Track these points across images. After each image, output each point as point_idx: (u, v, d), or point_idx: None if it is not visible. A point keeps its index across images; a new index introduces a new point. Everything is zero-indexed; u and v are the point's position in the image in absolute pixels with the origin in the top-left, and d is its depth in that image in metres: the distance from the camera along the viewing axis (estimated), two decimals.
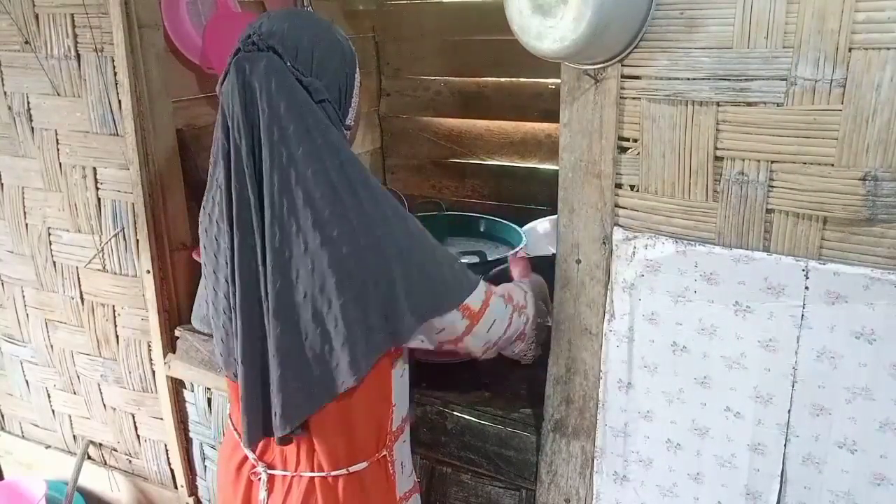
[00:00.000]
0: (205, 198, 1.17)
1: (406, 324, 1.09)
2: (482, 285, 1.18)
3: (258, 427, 1.13)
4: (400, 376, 1.22)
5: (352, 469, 1.19)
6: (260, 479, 1.23)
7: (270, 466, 1.23)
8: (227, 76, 1.07)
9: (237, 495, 1.27)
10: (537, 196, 2.40)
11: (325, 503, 1.19)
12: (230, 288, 1.11)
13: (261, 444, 1.22)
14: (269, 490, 1.22)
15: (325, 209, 1.03)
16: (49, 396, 2.08)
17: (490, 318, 1.19)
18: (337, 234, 1.04)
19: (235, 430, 1.26)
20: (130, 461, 2.04)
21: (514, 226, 2.16)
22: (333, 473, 1.19)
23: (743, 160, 1.06)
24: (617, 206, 1.19)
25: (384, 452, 1.23)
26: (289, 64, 1.06)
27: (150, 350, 1.82)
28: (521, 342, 1.31)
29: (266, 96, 1.03)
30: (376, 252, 1.05)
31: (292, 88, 1.05)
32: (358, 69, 1.18)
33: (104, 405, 1.99)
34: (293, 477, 1.21)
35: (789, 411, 1.10)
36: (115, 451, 2.05)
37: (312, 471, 1.19)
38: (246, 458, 1.25)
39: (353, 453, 1.19)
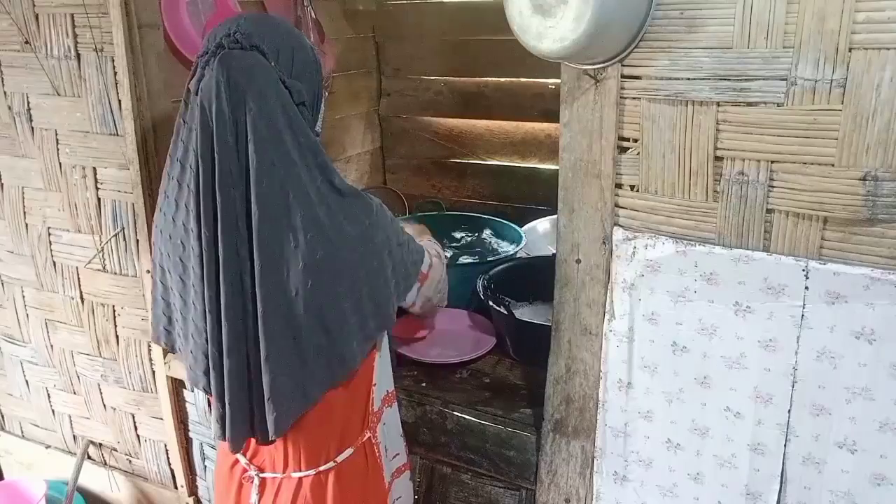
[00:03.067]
0: (161, 200, 1.14)
1: (393, 306, 1.18)
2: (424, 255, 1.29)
3: (244, 432, 1.11)
4: (379, 356, 1.24)
5: (339, 459, 1.20)
6: (251, 481, 1.23)
7: (261, 469, 1.22)
8: (207, 72, 1.05)
9: (230, 495, 1.27)
10: (537, 196, 2.40)
11: (314, 501, 1.19)
12: (207, 292, 1.06)
13: (252, 446, 1.22)
14: (260, 492, 1.22)
15: (313, 206, 1.04)
16: (49, 396, 2.08)
17: (434, 278, 1.30)
18: (327, 230, 1.05)
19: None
20: (130, 461, 2.04)
21: (514, 226, 2.16)
22: (323, 468, 1.19)
23: (743, 160, 1.06)
24: (617, 206, 1.19)
25: (368, 434, 1.23)
26: (273, 64, 1.06)
27: (150, 350, 1.82)
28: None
29: (253, 94, 1.02)
30: (363, 244, 1.10)
31: (279, 88, 1.05)
32: (324, 79, 1.20)
33: (104, 405, 1.99)
34: (283, 479, 1.21)
35: (789, 411, 1.10)
36: (115, 451, 2.05)
37: (301, 470, 1.19)
38: (238, 459, 1.25)
39: (340, 441, 1.20)
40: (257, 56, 1.05)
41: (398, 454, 1.35)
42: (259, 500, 1.22)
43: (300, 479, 1.20)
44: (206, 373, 1.11)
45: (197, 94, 1.05)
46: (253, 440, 1.16)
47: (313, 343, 1.08)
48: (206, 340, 1.09)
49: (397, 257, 1.18)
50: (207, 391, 1.13)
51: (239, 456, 1.24)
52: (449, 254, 1.84)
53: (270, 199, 1.03)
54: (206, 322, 1.08)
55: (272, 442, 1.13)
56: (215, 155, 1.02)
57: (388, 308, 1.17)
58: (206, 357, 1.10)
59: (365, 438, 1.23)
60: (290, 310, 1.05)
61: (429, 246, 1.36)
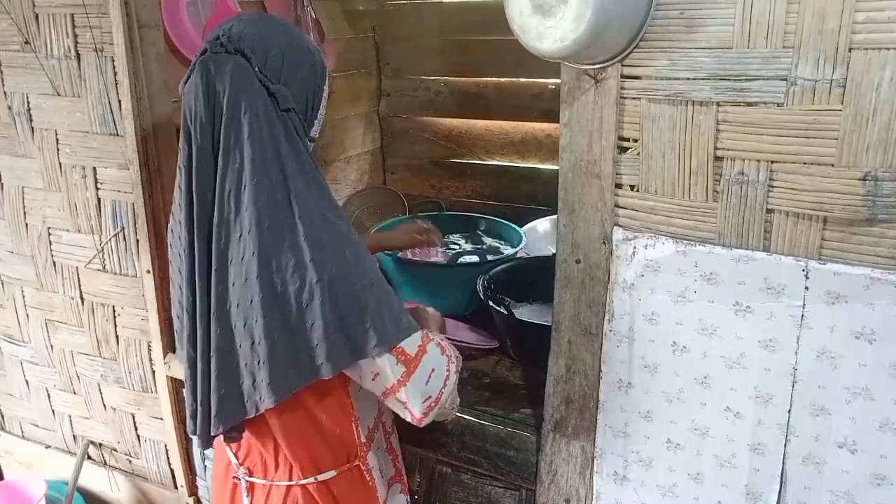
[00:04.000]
0: (173, 203, 1.16)
1: (334, 358, 1.02)
2: (419, 332, 1.10)
3: (207, 426, 1.09)
4: (358, 390, 1.17)
5: (320, 478, 1.19)
6: (241, 483, 1.24)
7: (251, 472, 1.23)
8: (191, 76, 1.05)
9: (225, 495, 1.28)
10: (537, 196, 2.40)
11: None
12: (185, 291, 1.08)
13: (243, 448, 1.22)
14: (251, 495, 1.23)
15: (264, 221, 1.01)
16: (49, 396, 2.08)
17: (428, 367, 1.09)
18: (269, 249, 1.01)
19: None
20: (130, 461, 2.04)
21: (514, 226, 2.17)
22: (304, 482, 1.19)
23: (743, 160, 1.06)
24: (617, 206, 1.19)
25: (357, 462, 1.22)
26: (256, 69, 1.05)
27: (150, 350, 1.82)
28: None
29: (228, 99, 1.02)
30: (303, 273, 1.00)
31: (255, 94, 1.03)
32: (327, 82, 1.17)
33: (104, 405, 1.99)
34: (271, 485, 1.21)
35: (789, 411, 1.10)
36: (115, 451, 2.05)
37: (289, 479, 1.20)
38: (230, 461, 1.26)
39: (320, 463, 1.19)
40: (238, 60, 1.04)
41: (392, 473, 1.36)
42: (251, 503, 1.23)
43: (288, 486, 1.20)
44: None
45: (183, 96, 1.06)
46: (249, 443, 1.17)
47: (247, 358, 1.05)
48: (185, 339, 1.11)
49: (346, 306, 1.02)
50: None
51: (231, 457, 1.24)
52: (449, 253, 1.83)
53: (228, 206, 1.02)
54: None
55: (236, 440, 1.14)
56: (193, 160, 1.03)
57: (321, 355, 1.02)
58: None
59: (353, 465, 1.22)
60: (232, 320, 1.04)
61: (444, 342, 1.19)
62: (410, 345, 1.07)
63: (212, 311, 1.05)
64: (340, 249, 1.03)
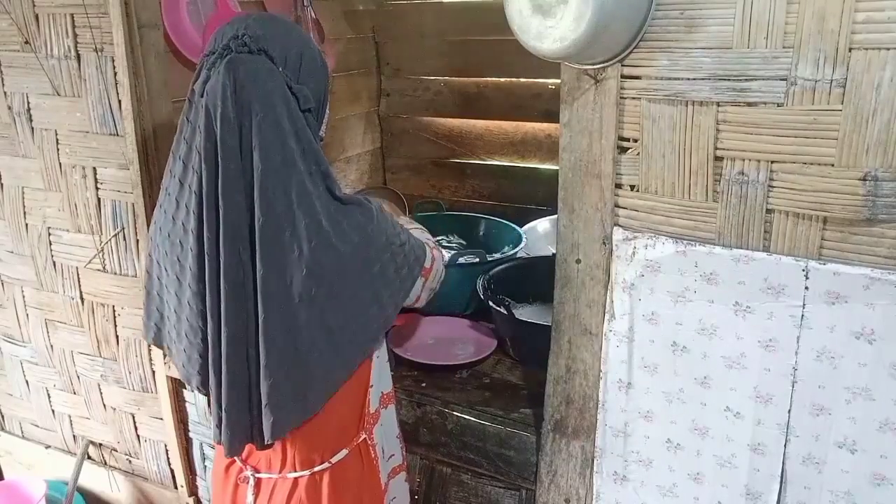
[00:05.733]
0: (162, 197, 1.13)
1: (396, 304, 1.16)
2: (428, 248, 1.25)
3: (243, 437, 1.10)
4: (377, 358, 1.23)
5: (334, 460, 1.19)
6: (247, 482, 1.23)
7: (256, 469, 1.23)
8: (213, 74, 1.04)
9: (226, 495, 1.28)
10: (537, 196, 2.40)
11: (309, 501, 1.19)
12: (208, 295, 1.05)
13: (247, 447, 1.22)
14: (256, 493, 1.23)
15: (317, 214, 1.03)
16: (49, 396, 2.08)
17: (438, 270, 1.27)
18: (330, 237, 1.04)
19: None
20: (130, 461, 2.04)
21: (514, 226, 2.16)
22: (317, 469, 1.19)
23: (743, 160, 1.06)
24: (617, 206, 1.19)
25: (363, 436, 1.23)
26: (280, 69, 1.05)
27: (150, 350, 1.82)
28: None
29: (261, 98, 1.02)
30: (366, 250, 1.09)
31: (286, 93, 1.04)
32: (329, 82, 1.19)
33: (104, 405, 1.99)
34: (278, 479, 1.21)
35: (789, 411, 1.10)
36: (115, 451, 2.05)
37: (296, 470, 1.19)
38: (234, 460, 1.25)
39: (334, 443, 1.19)
40: (265, 60, 1.04)
41: (394, 455, 1.35)
42: (255, 501, 1.23)
43: (295, 479, 1.20)
44: (200, 372, 1.11)
45: (202, 96, 1.04)
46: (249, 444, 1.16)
47: (315, 350, 1.07)
48: (202, 341, 1.09)
49: (399, 259, 1.16)
50: (200, 390, 1.14)
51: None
52: (448, 255, 1.83)
53: (275, 206, 1.02)
54: (202, 323, 1.07)
55: (269, 447, 1.14)
56: (219, 160, 1.02)
57: (390, 309, 1.15)
58: (201, 357, 1.10)
59: (360, 440, 1.23)
60: (292, 317, 1.05)
61: (421, 236, 1.32)
62: (428, 260, 1.23)
63: (258, 313, 1.04)
64: (378, 217, 1.12)
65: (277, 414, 1.07)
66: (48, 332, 1.98)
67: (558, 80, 1.18)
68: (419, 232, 1.34)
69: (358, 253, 1.08)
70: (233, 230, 1.03)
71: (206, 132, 1.03)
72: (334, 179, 1.09)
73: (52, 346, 1.99)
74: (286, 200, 1.02)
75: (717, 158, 1.08)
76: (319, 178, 1.06)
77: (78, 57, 1.63)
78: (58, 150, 1.75)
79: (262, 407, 1.07)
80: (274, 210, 1.02)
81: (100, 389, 1.97)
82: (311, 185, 1.04)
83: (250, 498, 1.23)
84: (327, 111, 1.19)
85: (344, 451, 1.21)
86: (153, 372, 1.84)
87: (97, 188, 1.73)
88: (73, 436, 2.10)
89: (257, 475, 1.22)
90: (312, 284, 1.04)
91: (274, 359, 1.05)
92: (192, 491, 1.97)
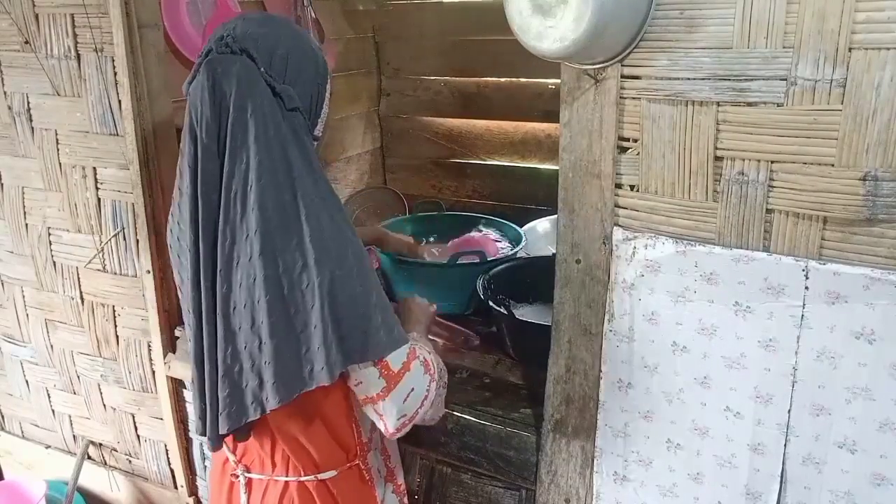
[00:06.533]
0: (172, 205, 1.15)
1: (331, 363, 1.01)
2: (406, 346, 1.10)
3: (215, 427, 1.10)
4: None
5: (321, 476, 1.19)
6: (239, 480, 1.24)
7: (249, 469, 1.23)
8: (197, 76, 1.05)
9: (222, 493, 1.29)
10: (537, 196, 2.40)
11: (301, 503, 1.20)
12: (191, 293, 1.08)
13: (241, 446, 1.22)
14: (248, 492, 1.23)
15: (271, 221, 1.01)
16: (49, 396, 2.08)
17: (408, 386, 1.10)
18: (276, 249, 1.01)
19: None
20: (130, 461, 2.04)
21: (514, 226, 2.16)
22: (304, 479, 1.19)
23: (743, 160, 1.06)
24: (617, 206, 1.19)
25: (357, 462, 1.23)
26: (262, 69, 1.05)
27: (150, 350, 1.82)
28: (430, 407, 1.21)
29: (234, 100, 1.01)
30: (309, 274, 1.00)
31: (262, 94, 1.03)
32: (329, 81, 1.18)
33: (104, 405, 1.99)
34: (269, 480, 1.21)
35: (789, 411, 1.10)
36: (115, 451, 2.05)
37: (287, 475, 1.20)
38: (228, 458, 1.26)
39: (320, 462, 1.19)
40: (244, 60, 1.04)
41: (393, 476, 1.36)
42: (248, 500, 1.23)
43: (286, 482, 1.20)
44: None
45: (187, 97, 1.06)
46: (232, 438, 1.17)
47: (252, 360, 1.04)
48: (190, 339, 1.11)
49: (343, 311, 1.01)
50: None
51: (229, 455, 1.25)
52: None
53: (234, 207, 1.02)
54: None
55: (245, 438, 1.14)
56: (198, 161, 1.03)
57: (321, 360, 1.02)
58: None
59: (353, 464, 1.23)
60: (238, 320, 1.04)
61: (427, 356, 1.17)
62: (395, 360, 1.08)
63: (217, 312, 1.04)
64: (344, 252, 1.03)
65: (227, 408, 1.07)
66: (48, 332, 1.98)
67: (558, 80, 1.18)
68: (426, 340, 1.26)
69: (293, 279, 1.01)
70: (210, 229, 1.04)
71: (189, 133, 1.05)
72: (314, 186, 1.05)
73: (52, 346, 1.99)
74: (244, 202, 1.01)
75: (717, 158, 1.08)
76: (288, 185, 1.02)
77: (78, 57, 1.64)
78: (58, 150, 1.75)
79: (218, 401, 1.07)
80: (234, 210, 1.02)
81: (100, 389, 1.97)
82: (273, 192, 1.01)
83: (243, 497, 1.24)
84: (325, 111, 1.18)
85: (333, 472, 1.20)
86: (153, 372, 1.84)
87: (97, 188, 1.73)
88: (73, 436, 2.10)
89: (247, 475, 1.23)
90: (252, 294, 1.02)
91: (224, 357, 1.05)
92: (192, 491, 1.97)
